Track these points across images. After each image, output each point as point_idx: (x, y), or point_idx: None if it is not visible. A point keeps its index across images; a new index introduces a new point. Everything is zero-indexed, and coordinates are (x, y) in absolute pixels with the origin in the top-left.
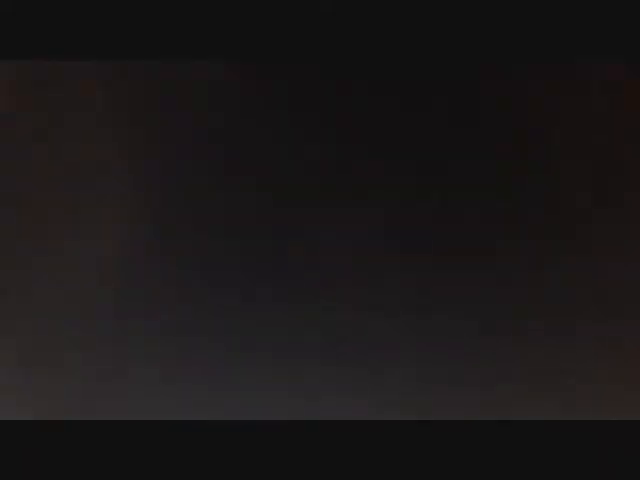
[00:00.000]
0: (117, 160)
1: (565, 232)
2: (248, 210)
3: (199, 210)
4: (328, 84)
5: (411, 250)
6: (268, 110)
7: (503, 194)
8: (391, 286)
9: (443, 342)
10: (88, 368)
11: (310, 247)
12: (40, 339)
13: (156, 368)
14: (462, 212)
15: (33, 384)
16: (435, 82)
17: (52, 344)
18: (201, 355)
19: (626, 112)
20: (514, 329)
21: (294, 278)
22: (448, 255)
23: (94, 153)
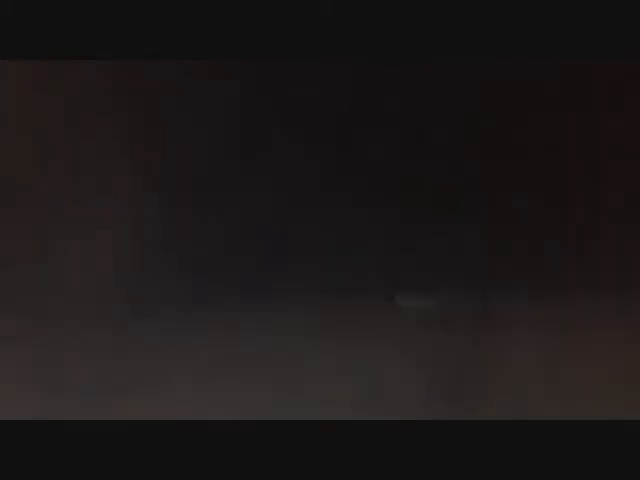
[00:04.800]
0: (118, 159)
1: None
2: (248, 208)
3: (199, 208)
4: (328, 84)
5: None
6: (268, 110)
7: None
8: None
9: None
10: (89, 368)
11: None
12: (40, 339)
13: (156, 369)
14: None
15: (33, 384)
16: (435, 81)
17: (52, 344)
18: (202, 356)
19: (626, 112)
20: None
21: (297, 276)
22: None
23: (95, 152)
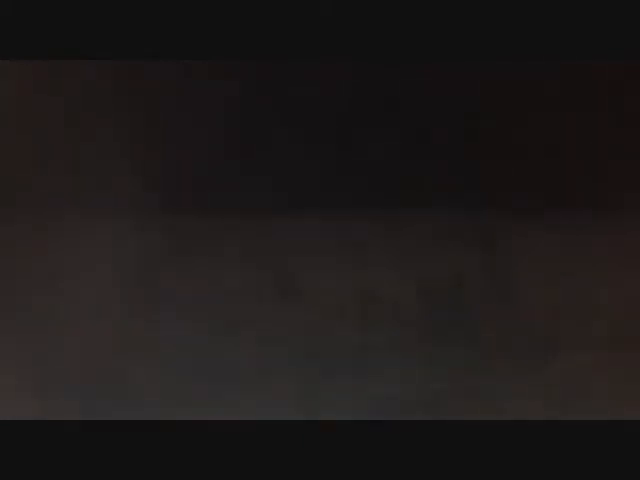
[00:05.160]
0: (118, 159)
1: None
2: (247, 207)
3: (199, 209)
4: (327, 83)
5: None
6: (268, 110)
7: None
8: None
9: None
10: (89, 368)
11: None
12: (41, 339)
13: (155, 368)
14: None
15: (33, 384)
16: (435, 81)
17: (53, 344)
18: (203, 358)
19: (626, 112)
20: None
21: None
22: None
23: (95, 152)
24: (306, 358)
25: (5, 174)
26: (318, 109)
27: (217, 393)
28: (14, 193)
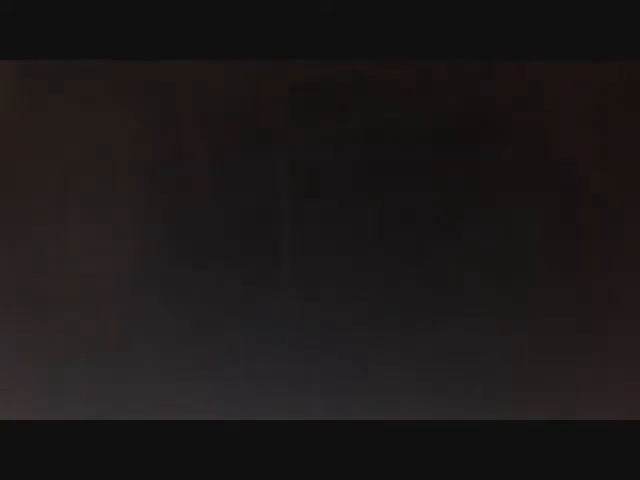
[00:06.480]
0: (118, 159)
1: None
2: (249, 211)
3: (201, 210)
4: (327, 83)
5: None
6: (267, 109)
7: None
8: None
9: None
10: (91, 369)
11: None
12: (42, 339)
13: (159, 369)
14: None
15: (34, 384)
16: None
17: (54, 344)
18: (206, 359)
19: (626, 112)
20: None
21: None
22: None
23: (94, 153)
24: None
25: (4, 174)
26: (317, 109)
27: None
28: (13, 193)
